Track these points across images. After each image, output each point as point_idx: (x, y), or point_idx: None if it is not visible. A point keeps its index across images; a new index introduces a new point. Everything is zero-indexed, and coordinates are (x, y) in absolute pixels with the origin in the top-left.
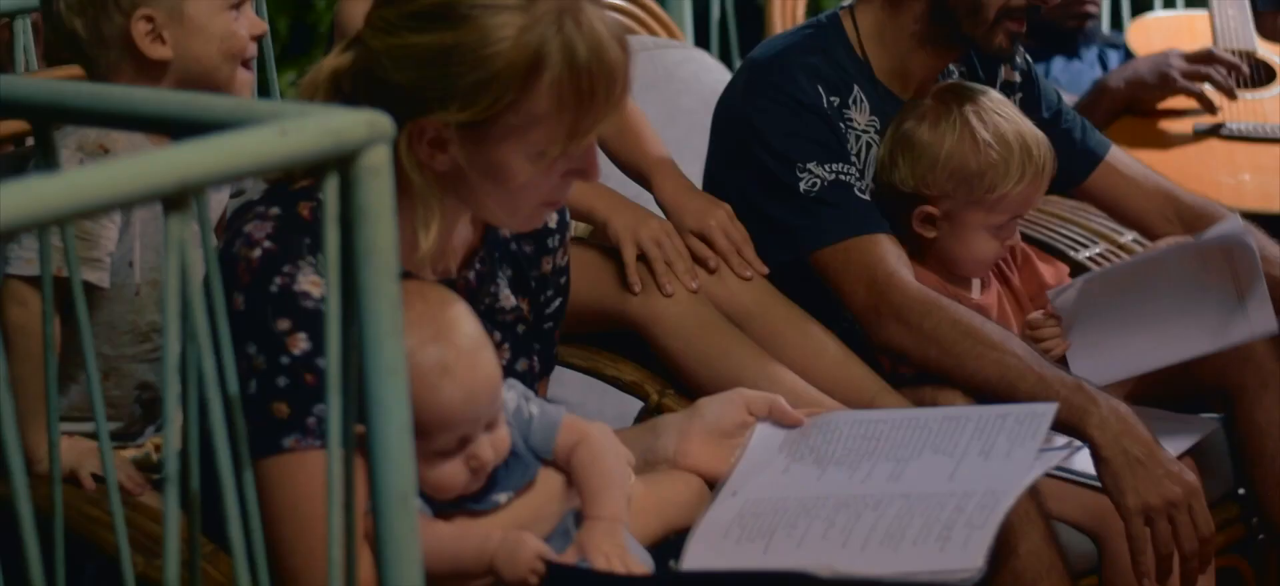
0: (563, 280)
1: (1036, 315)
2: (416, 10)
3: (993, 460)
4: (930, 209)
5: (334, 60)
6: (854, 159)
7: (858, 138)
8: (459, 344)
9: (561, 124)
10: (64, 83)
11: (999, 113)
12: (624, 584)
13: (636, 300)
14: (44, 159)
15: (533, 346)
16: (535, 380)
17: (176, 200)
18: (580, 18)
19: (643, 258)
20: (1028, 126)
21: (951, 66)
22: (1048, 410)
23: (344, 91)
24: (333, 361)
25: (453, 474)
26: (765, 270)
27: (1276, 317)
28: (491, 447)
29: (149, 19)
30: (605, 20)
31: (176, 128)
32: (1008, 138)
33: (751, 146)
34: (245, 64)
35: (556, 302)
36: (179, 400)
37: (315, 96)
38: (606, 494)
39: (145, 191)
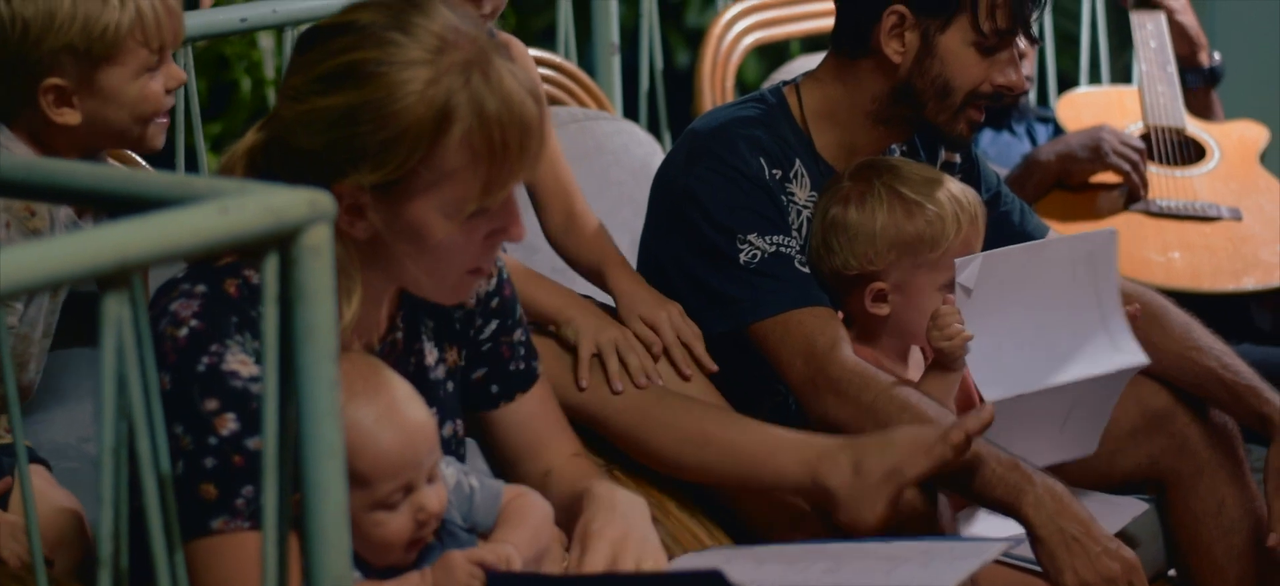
0: (494, 301)
1: (943, 308)
2: (323, 73)
3: (933, 560)
4: (880, 285)
5: (250, 138)
6: (794, 232)
7: (799, 213)
8: (391, 395)
9: (475, 178)
10: None
11: (916, 175)
12: (565, 584)
13: (586, 395)
14: None
15: (461, 407)
16: (461, 445)
17: (114, 279)
18: (489, 70)
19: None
20: (947, 179)
21: (894, 146)
22: (992, 549)
23: (258, 168)
24: (269, 443)
25: (399, 528)
26: (714, 368)
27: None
28: (435, 498)
29: (57, 89)
30: (516, 74)
31: (113, 203)
32: (936, 195)
33: (691, 216)
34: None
35: (492, 325)
36: (114, 482)
37: (233, 168)
38: (521, 530)
39: (83, 269)
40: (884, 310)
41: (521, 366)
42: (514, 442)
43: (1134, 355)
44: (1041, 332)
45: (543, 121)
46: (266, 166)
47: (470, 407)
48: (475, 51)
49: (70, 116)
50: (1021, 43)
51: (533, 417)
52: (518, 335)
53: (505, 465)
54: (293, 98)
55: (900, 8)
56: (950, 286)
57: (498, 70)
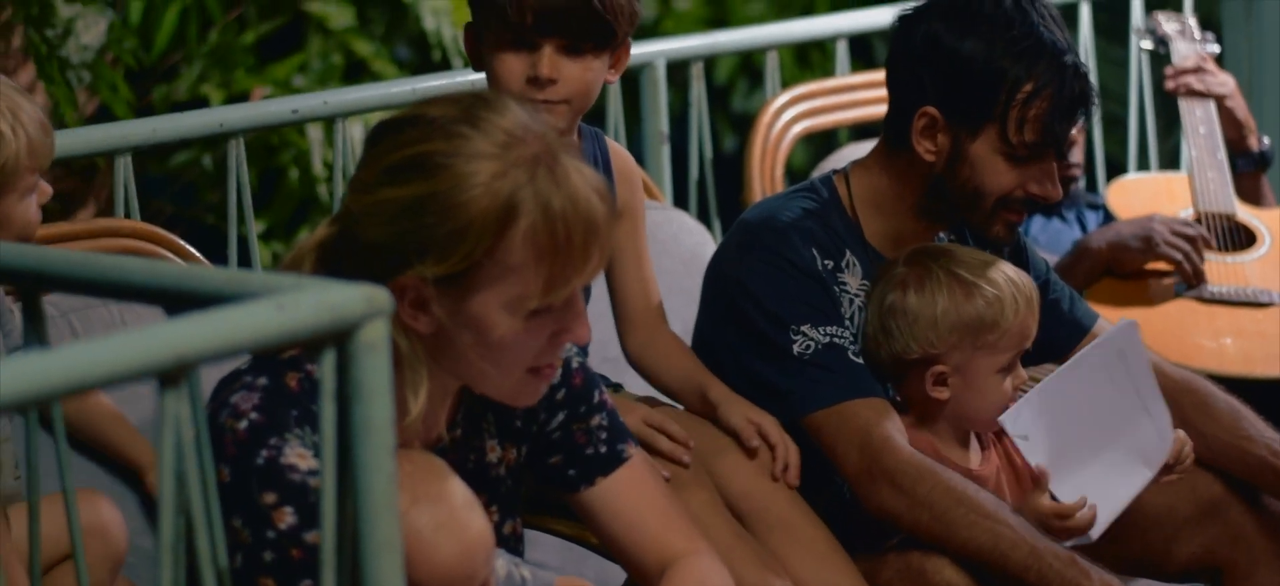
0: (560, 393)
1: (1048, 505)
2: (391, 164)
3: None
4: (940, 368)
5: (321, 231)
6: (847, 322)
7: (851, 301)
8: (451, 503)
9: (538, 275)
10: (53, 251)
11: (973, 258)
12: None
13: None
14: (32, 328)
15: (520, 503)
16: (520, 543)
17: (172, 376)
18: (555, 167)
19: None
20: (1002, 262)
21: (942, 234)
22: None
23: (328, 262)
24: (327, 538)
25: None
26: (796, 483)
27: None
28: None
29: None
30: (583, 172)
31: (170, 300)
32: (994, 277)
33: (744, 307)
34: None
35: (559, 416)
36: (174, 576)
37: (300, 268)
38: None
39: (141, 368)
40: (944, 394)
41: (603, 450)
42: (609, 525)
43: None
44: (1105, 447)
45: (610, 220)
46: (335, 260)
47: (553, 490)
48: (543, 148)
49: None
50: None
51: (626, 499)
52: (597, 421)
53: (610, 548)
54: (361, 190)
55: (932, 110)
56: (1007, 370)
57: (565, 168)
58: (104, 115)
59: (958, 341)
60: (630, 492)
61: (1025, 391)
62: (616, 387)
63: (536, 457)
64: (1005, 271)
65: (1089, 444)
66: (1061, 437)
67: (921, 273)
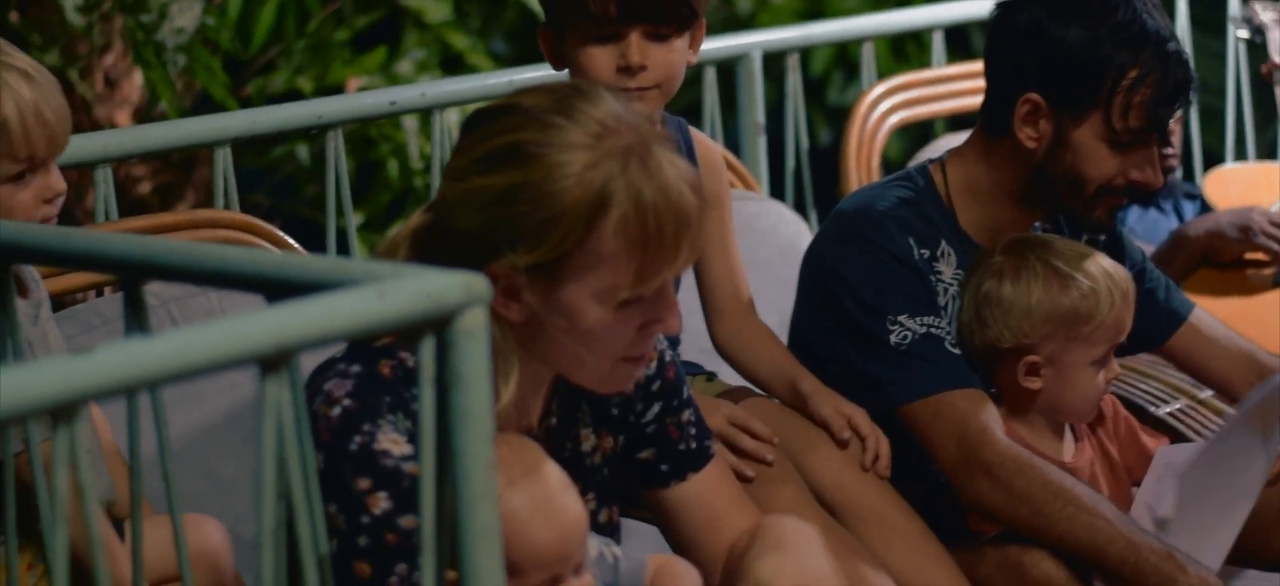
0: (655, 384)
1: None
2: (485, 153)
3: None
4: (1034, 358)
5: (416, 219)
6: (943, 311)
7: (946, 290)
8: (547, 486)
9: (629, 266)
10: (155, 240)
11: (1069, 250)
12: None
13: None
14: (134, 317)
15: (616, 493)
16: (616, 530)
17: (273, 362)
18: (648, 158)
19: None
20: (1098, 254)
21: (1037, 222)
22: None
23: (422, 249)
24: (426, 525)
25: None
26: (887, 474)
27: None
28: None
29: None
30: (676, 164)
31: (270, 288)
32: (1089, 269)
33: (841, 298)
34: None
35: (655, 407)
36: (274, 561)
37: (395, 256)
38: None
39: (243, 354)
40: (1037, 384)
41: (693, 446)
42: (692, 521)
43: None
44: (1227, 499)
45: (700, 212)
46: (429, 248)
47: (642, 487)
48: (636, 139)
49: None
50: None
51: (709, 496)
52: (687, 416)
53: (684, 546)
54: (455, 178)
55: (1035, 96)
56: (1101, 363)
57: (657, 159)
58: (203, 102)
59: (1051, 332)
60: (713, 489)
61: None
62: (711, 377)
63: (628, 450)
64: (1102, 264)
65: (1216, 502)
66: (1195, 504)
67: (1018, 262)
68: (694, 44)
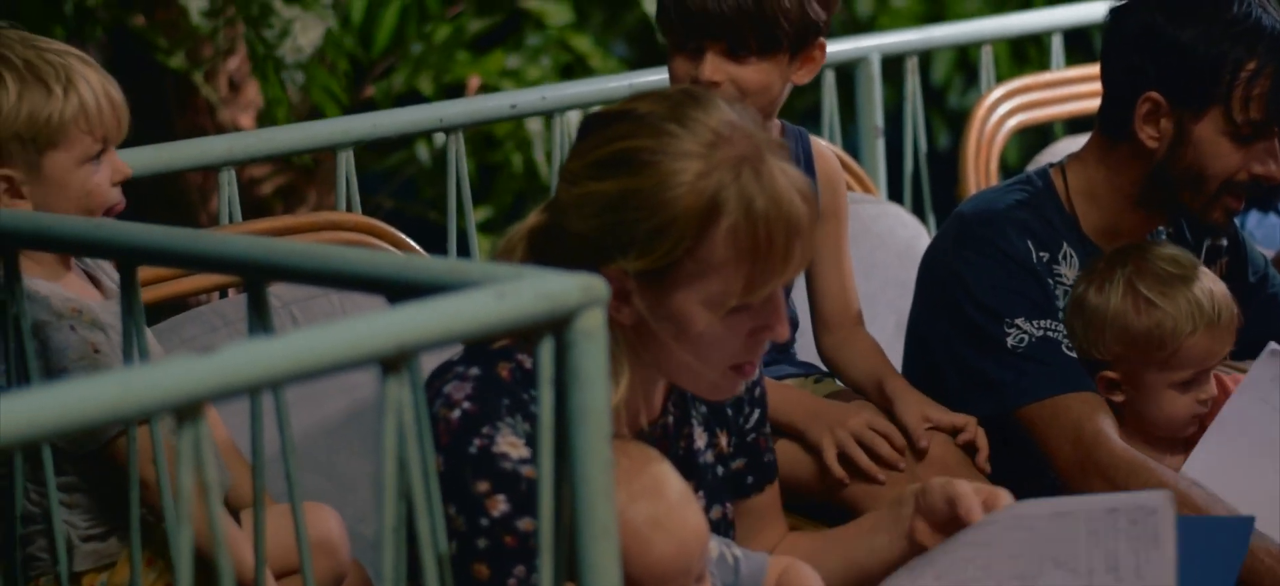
0: (758, 390)
1: None
2: (599, 158)
3: (1123, 579)
4: (1110, 374)
5: (532, 219)
6: (1062, 315)
7: (1066, 294)
8: (668, 498)
9: (739, 274)
10: (279, 242)
11: (1165, 269)
12: None
13: (846, 489)
14: (258, 318)
15: (727, 491)
16: (730, 528)
17: (394, 362)
18: (760, 168)
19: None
20: (1203, 276)
21: (1160, 227)
22: (1161, 504)
23: (537, 250)
24: (545, 524)
25: None
26: (987, 470)
27: None
28: None
29: (7, 178)
30: (788, 173)
31: (391, 289)
32: (1174, 294)
33: (958, 299)
34: (109, 212)
35: (755, 415)
36: (395, 561)
37: (512, 256)
38: None
39: (364, 355)
40: (1118, 398)
41: (770, 458)
42: (753, 529)
43: None
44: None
45: (812, 222)
46: (544, 248)
47: (730, 497)
48: (749, 148)
49: (21, 206)
50: None
51: (766, 505)
52: (768, 426)
53: None
54: (569, 181)
55: (1155, 95)
56: (1188, 385)
57: (769, 168)
58: (316, 117)
59: (1122, 352)
60: (771, 499)
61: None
62: (820, 378)
63: (731, 455)
64: (1194, 290)
65: (1253, 468)
66: (1245, 473)
67: (1107, 273)
68: (802, 66)
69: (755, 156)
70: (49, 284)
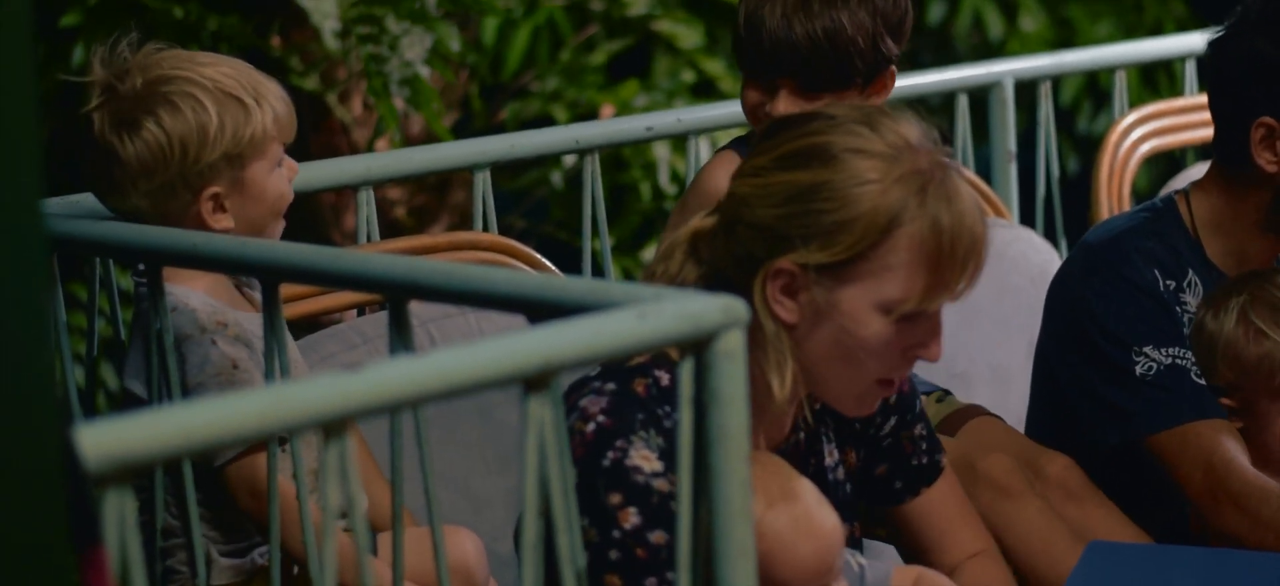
0: (892, 398)
1: None
2: (790, 151)
3: None
4: (1227, 401)
5: (697, 222)
6: (1189, 342)
7: (1191, 321)
8: (805, 502)
9: (917, 279)
10: (420, 261)
11: None
12: None
13: None
14: (399, 337)
15: (867, 503)
16: (859, 545)
17: (537, 382)
18: (946, 179)
19: None
20: None
21: None
22: None
23: (698, 253)
24: (683, 543)
25: None
26: None
27: None
28: None
29: (215, 196)
30: (970, 191)
31: (533, 309)
32: None
33: (1087, 328)
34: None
35: (892, 421)
36: (535, 575)
37: (673, 254)
38: None
39: (508, 374)
40: (1238, 424)
41: (924, 461)
42: (922, 536)
43: None
44: None
45: (986, 241)
46: (706, 248)
47: (875, 503)
48: (936, 160)
49: (225, 220)
50: None
51: (937, 510)
52: (919, 429)
53: (914, 560)
54: (753, 174)
55: (1269, 120)
56: None
57: (955, 182)
58: (458, 126)
59: (1235, 379)
60: (947, 502)
61: None
62: (943, 395)
63: (867, 466)
64: None
65: None
66: None
67: (1225, 300)
68: (874, 94)
69: (941, 169)
70: (201, 296)
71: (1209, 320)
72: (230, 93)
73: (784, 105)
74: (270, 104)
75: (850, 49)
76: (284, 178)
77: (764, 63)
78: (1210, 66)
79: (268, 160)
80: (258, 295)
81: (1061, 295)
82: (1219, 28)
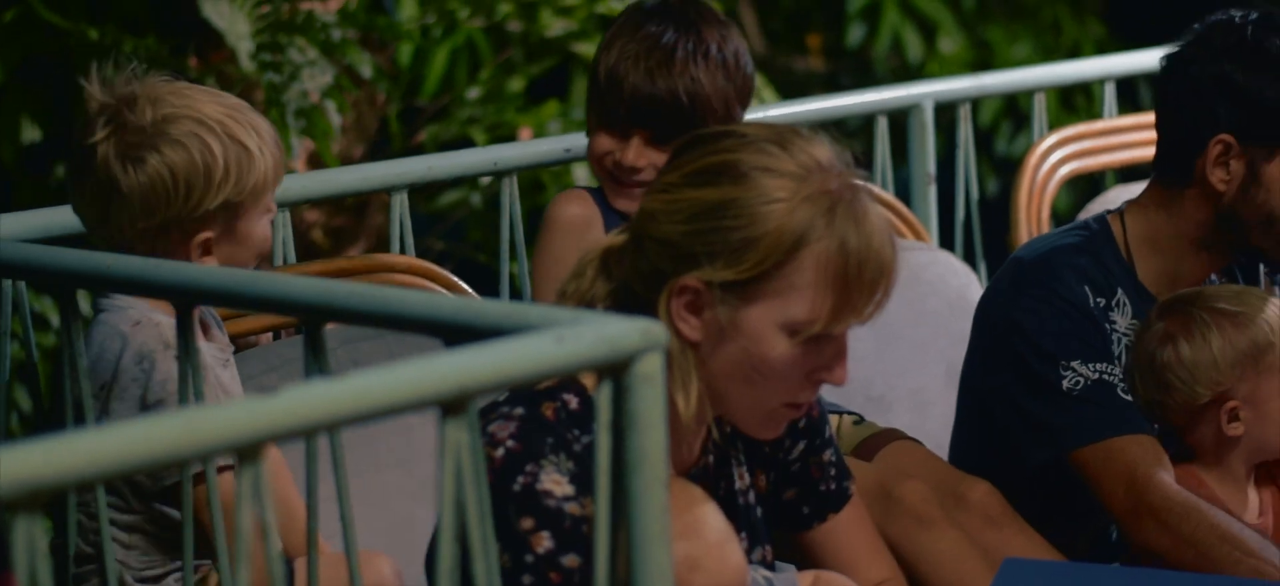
0: (801, 422)
1: None
2: (700, 168)
3: None
4: (1233, 403)
5: (609, 239)
6: (1117, 360)
7: (1119, 340)
8: (707, 539)
9: (823, 300)
10: (337, 283)
11: (1222, 292)
12: None
13: None
14: (314, 360)
15: (776, 528)
16: (771, 567)
17: (454, 405)
18: (856, 201)
19: None
20: (1248, 288)
21: (1213, 275)
22: None
23: (609, 269)
24: (600, 568)
25: None
26: None
27: None
28: None
29: (206, 241)
30: (880, 214)
31: (449, 332)
32: (1252, 301)
33: (1016, 345)
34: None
35: (801, 445)
36: None
37: (584, 271)
38: None
39: (424, 398)
40: (1238, 429)
41: (833, 487)
42: (828, 563)
43: None
44: None
45: (896, 265)
46: (618, 264)
47: (782, 528)
48: (847, 182)
49: (210, 264)
50: None
51: (844, 538)
52: (828, 455)
53: None
54: (663, 190)
55: (1227, 137)
56: None
57: (865, 204)
58: (379, 155)
59: (1243, 372)
60: (853, 529)
61: None
62: (858, 419)
63: (775, 489)
64: (1261, 295)
65: None
66: None
67: (1184, 320)
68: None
69: (851, 190)
70: (167, 318)
71: (1184, 349)
72: (236, 137)
73: (634, 155)
74: (270, 150)
75: (706, 108)
76: (268, 222)
77: (623, 114)
78: (1164, 84)
79: (261, 207)
80: (215, 326)
81: (990, 312)
82: (1175, 46)
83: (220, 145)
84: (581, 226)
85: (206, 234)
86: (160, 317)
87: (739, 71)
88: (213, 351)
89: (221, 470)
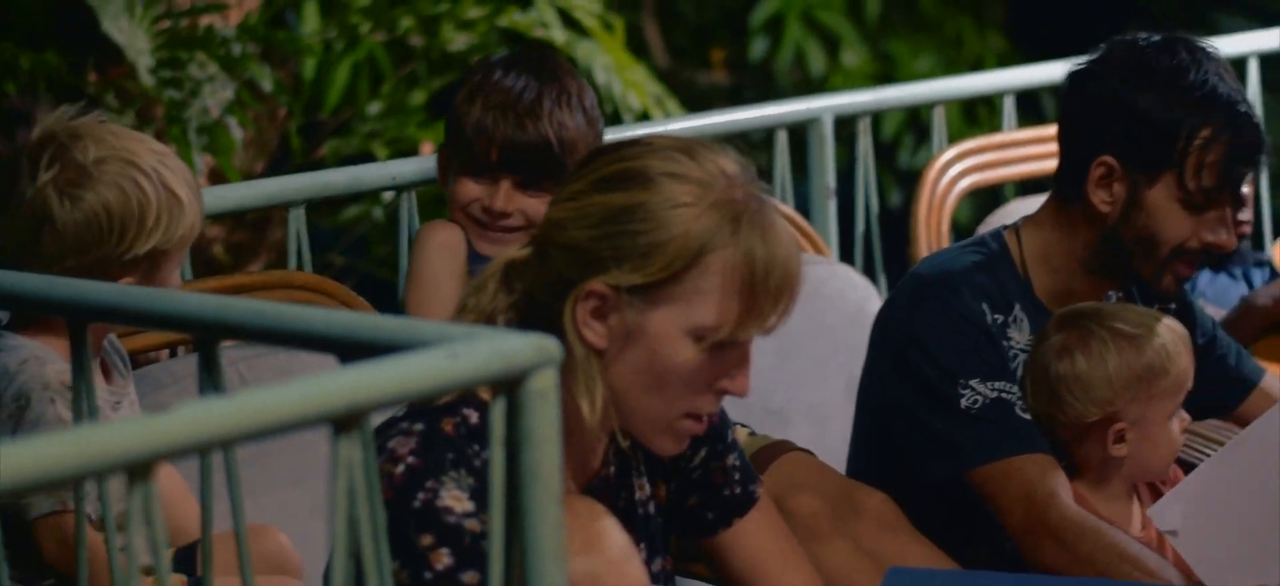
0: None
1: None
2: (607, 174)
3: None
4: (1120, 425)
5: (511, 252)
6: (1014, 377)
7: (1016, 357)
8: (608, 555)
9: (729, 307)
10: (231, 300)
11: (1124, 312)
12: None
13: None
14: (209, 378)
15: (678, 536)
16: (670, 582)
17: (346, 422)
18: (762, 211)
19: None
20: (1150, 311)
21: (1110, 292)
22: None
23: (510, 282)
24: (494, 584)
25: None
26: None
27: None
28: None
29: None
30: (786, 225)
31: (344, 348)
32: (1151, 326)
33: (914, 360)
34: None
35: (703, 451)
36: None
37: (485, 286)
38: None
39: (316, 414)
40: (1124, 451)
41: (737, 491)
42: (738, 568)
43: None
44: (1264, 519)
45: (799, 274)
46: (519, 281)
47: (688, 536)
48: (751, 193)
49: None
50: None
51: (753, 542)
52: (731, 460)
53: None
54: (569, 198)
55: (1109, 159)
56: (1178, 416)
57: (770, 215)
58: (280, 169)
59: (1134, 394)
60: (761, 533)
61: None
62: (753, 433)
63: (678, 498)
64: (1160, 318)
65: (1247, 517)
66: (1224, 530)
67: (1083, 335)
68: None
69: (757, 201)
70: (57, 358)
71: (1080, 363)
72: (170, 187)
73: (503, 200)
74: (197, 204)
75: (572, 151)
76: (179, 274)
77: (493, 162)
78: (1064, 99)
79: (180, 258)
80: (117, 372)
81: (888, 329)
82: (1080, 61)
83: (154, 191)
84: (454, 249)
85: (129, 278)
86: (50, 357)
87: (597, 119)
88: (103, 394)
89: (62, 513)
